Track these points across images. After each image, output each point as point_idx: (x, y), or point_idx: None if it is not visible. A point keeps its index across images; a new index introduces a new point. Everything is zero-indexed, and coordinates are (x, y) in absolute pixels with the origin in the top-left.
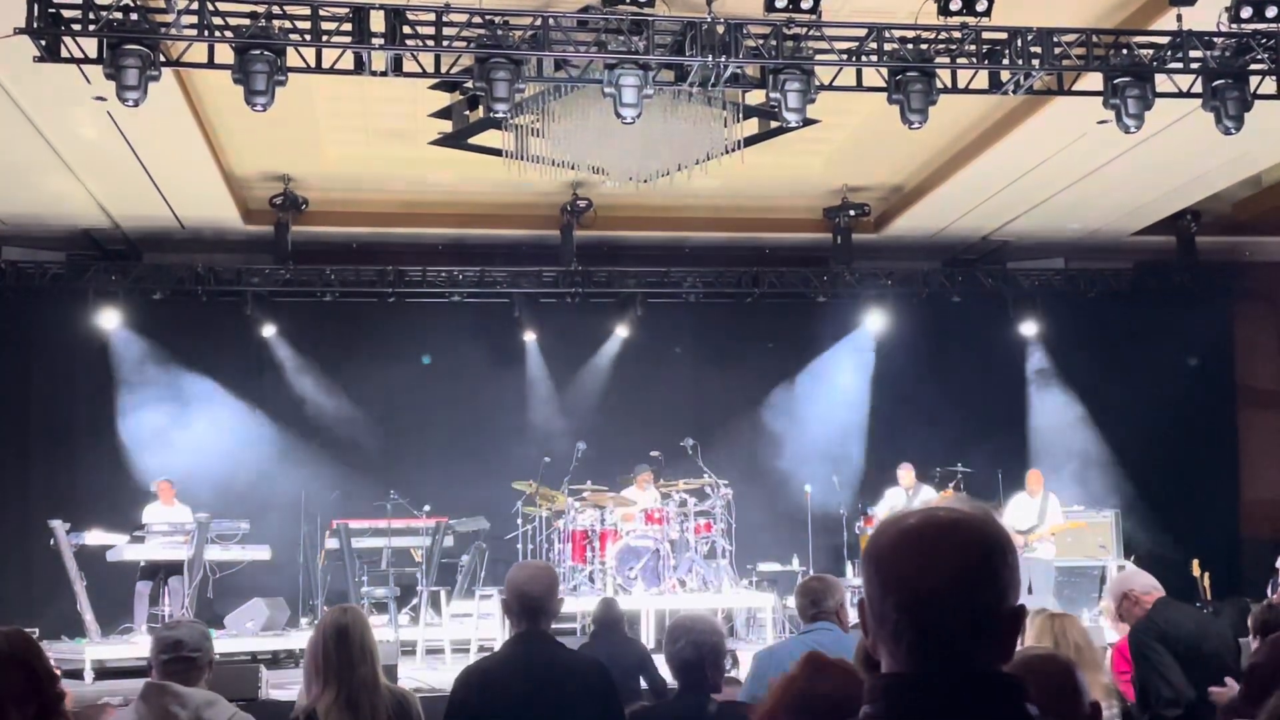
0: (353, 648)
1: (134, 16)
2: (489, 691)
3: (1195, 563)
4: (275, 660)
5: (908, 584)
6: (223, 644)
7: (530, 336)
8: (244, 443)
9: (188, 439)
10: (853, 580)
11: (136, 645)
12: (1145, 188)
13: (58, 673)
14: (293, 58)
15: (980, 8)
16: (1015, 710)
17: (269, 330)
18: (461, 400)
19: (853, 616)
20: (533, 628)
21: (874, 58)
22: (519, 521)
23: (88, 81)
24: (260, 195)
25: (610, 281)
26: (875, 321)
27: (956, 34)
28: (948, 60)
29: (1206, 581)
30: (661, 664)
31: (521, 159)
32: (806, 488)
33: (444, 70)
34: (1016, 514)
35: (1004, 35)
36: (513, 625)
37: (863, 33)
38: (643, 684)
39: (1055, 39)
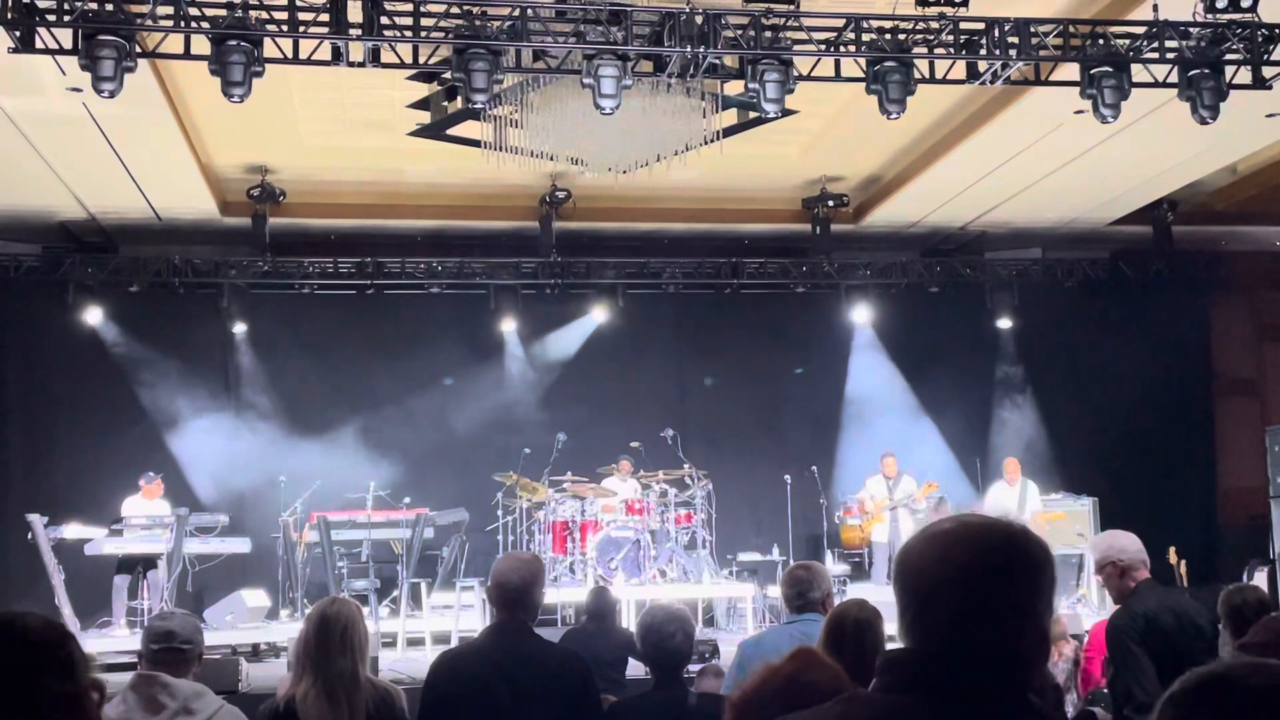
0: (332, 639)
1: (109, 7)
2: (460, 679)
3: (1172, 550)
4: (255, 653)
5: (924, 575)
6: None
7: (509, 327)
8: (222, 435)
9: (165, 432)
10: (833, 569)
11: (115, 639)
12: (1122, 177)
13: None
14: (270, 49)
15: None
16: (1014, 696)
17: (246, 322)
18: (441, 391)
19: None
20: (510, 618)
21: (852, 48)
22: (499, 513)
23: (63, 73)
24: (237, 187)
25: (589, 272)
26: (854, 312)
27: (934, 24)
28: (925, 50)
29: (1183, 569)
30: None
31: (500, 150)
32: (786, 477)
33: (422, 61)
34: (996, 502)
35: (981, 25)
36: (494, 615)
37: (841, 23)
38: (628, 674)
39: (1032, 29)
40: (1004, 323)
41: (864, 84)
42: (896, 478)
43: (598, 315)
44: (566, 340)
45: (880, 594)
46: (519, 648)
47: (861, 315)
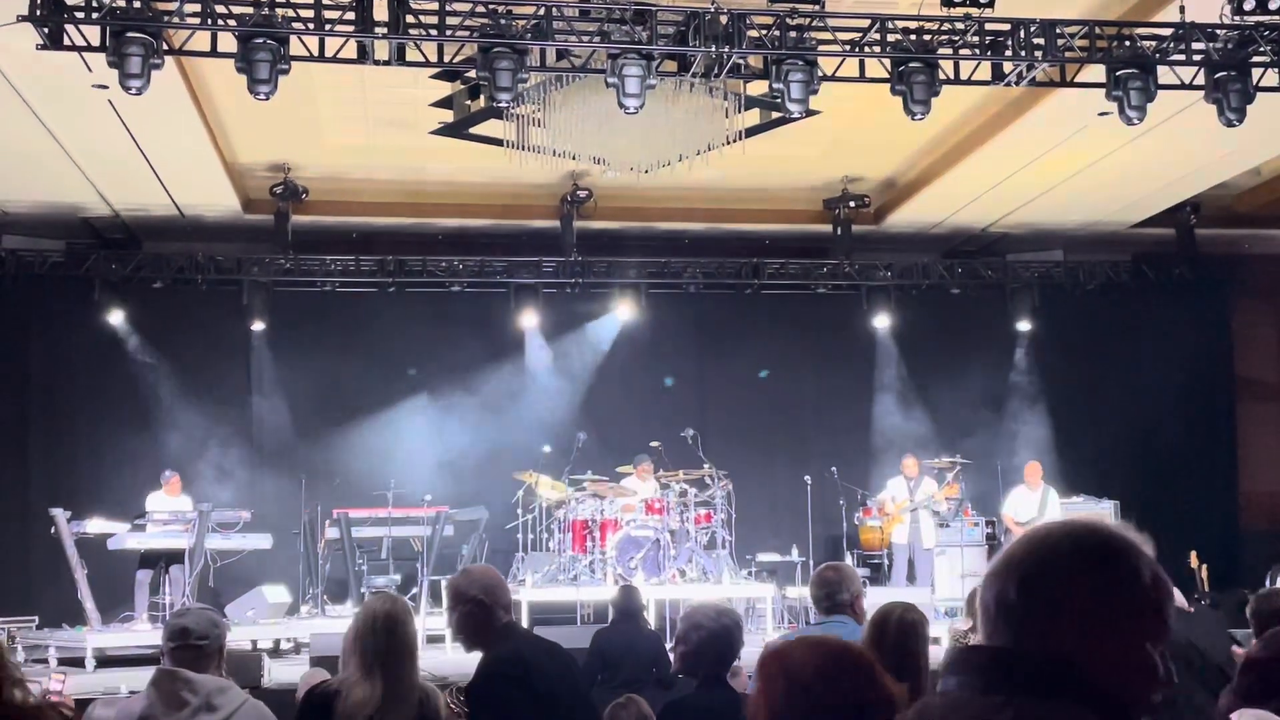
0: (400, 640)
1: (137, 4)
2: (534, 673)
3: (1193, 554)
4: (276, 648)
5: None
6: None
7: (530, 326)
8: (244, 432)
9: (188, 427)
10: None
11: (137, 634)
12: (1146, 180)
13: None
14: (296, 46)
15: None
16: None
17: (268, 320)
18: (461, 390)
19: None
20: (512, 619)
21: (877, 48)
22: (519, 511)
23: (89, 70)
24: (260, 184)
25: (610, 272)
26: (875, 312)
27: (959, 25)
28: (950, 51)
29: (1204, 573)
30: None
31: (522, 149)
32: (806, 478)
33: (447, 60)
34: (1016, 506)
35: (1007, 26)
36: (486, 624)
37: (866, 23)
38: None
39: (1058, 30)
40: (1025, 325)
41: (889, 85)
42: (917, 479)
43: (622, 313)
44: (588, 339)
45: (903, 596)
46: (545, 644)
47: (882, 316)
